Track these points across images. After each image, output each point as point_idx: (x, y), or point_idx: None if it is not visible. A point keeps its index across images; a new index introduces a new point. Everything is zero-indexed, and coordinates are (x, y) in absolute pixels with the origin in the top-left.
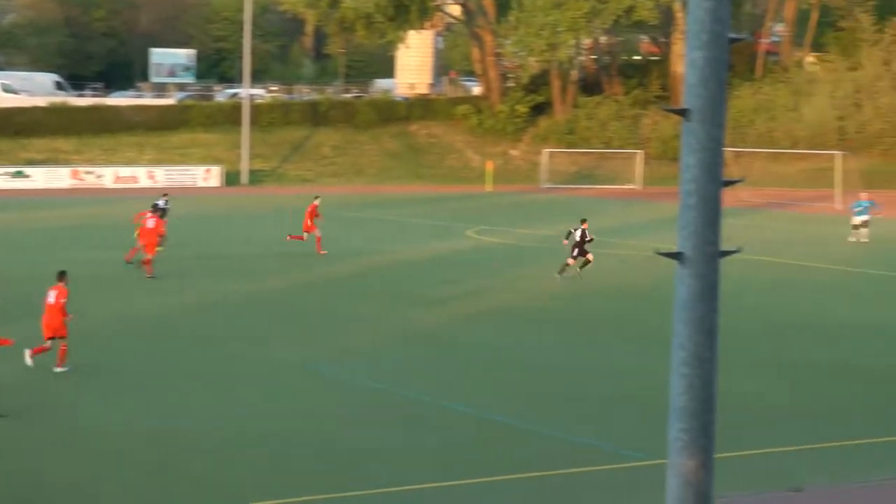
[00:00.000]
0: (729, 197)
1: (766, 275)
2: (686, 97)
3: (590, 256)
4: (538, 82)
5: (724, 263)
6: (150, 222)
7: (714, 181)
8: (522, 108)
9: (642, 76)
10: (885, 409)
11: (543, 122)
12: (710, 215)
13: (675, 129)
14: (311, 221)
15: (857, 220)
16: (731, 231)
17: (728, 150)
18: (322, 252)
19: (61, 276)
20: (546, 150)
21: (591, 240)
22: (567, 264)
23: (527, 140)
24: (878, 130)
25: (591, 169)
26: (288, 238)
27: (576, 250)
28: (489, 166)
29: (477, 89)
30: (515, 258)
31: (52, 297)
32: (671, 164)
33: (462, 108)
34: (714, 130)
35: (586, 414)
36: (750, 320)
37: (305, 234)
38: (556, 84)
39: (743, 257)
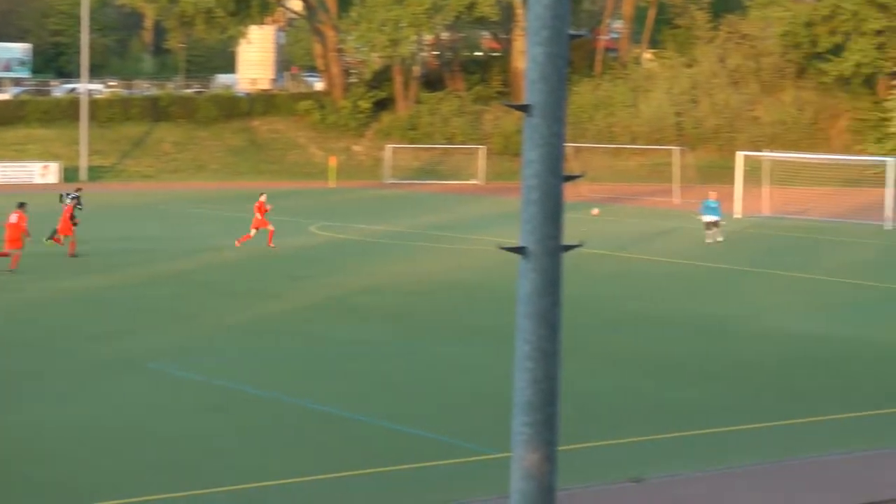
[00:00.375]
0: (571, 192)
1: (609, 269)
2: (527, 93)
3: None
4: (381, 78)
5: (567, 257)
6: (13, 217)
7: (555, 176)
8: (365, 104)
9: (484, 72)
10: (724, 401)
11: (386, 118)
12: (551, 210)
13: (516, 124)
14: (262, 216)
15: (708, 219)
16: (574, 226)
17: (569, 145)
18: (272, 245)
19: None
20: (389, 146)
21: None
22: None
23: (370, 135)
24: (713, 126)
25: (434, 164)
26: (237, 244)
27: None
28: (332, 162)
29: (319, 85)
30: (359, 253)
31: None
32: (513, 159)
33: (304, 104)
34: (555, 126)
35: (430, 408)
36: (596, 314)
37: (253, 231)
38: (398, 80)
39: (585, 251)
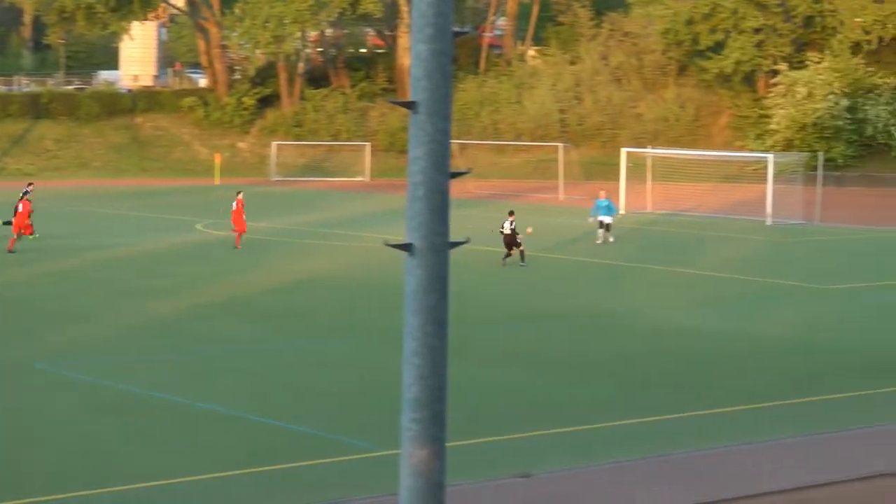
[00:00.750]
0: (457, 188)
1: (496, 265)
2: (412, 90)
3: (521, 247)
4: (265, 74)
5: (455, 254)
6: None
7: (441, 173)
8: (249, 101)
9: (369, 69)
10: (609, 396)
11: (271, 115)
12: (437, 207)
13: (402, 121)
14: (240, 216)
15: (602, 220)
16: (460, 222)
17: (454, 142)
18: (238, 247)
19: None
20: (274, 143)
21: (518, 234)
22: (508, 254)
23: (255, 132)
24: (597, 123)
25: (320, 161)
26: (236, 241)
27: (510, 243)
28: (217, 159)
29: (203, 81)
30: (246, 251)
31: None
32: (399, 155)
33: (188, 101)
34: (440, 123)
35: (319, 406)
36: (485, 311)
37: (235, 228)
38: (283, 76)
39: (473, 248)
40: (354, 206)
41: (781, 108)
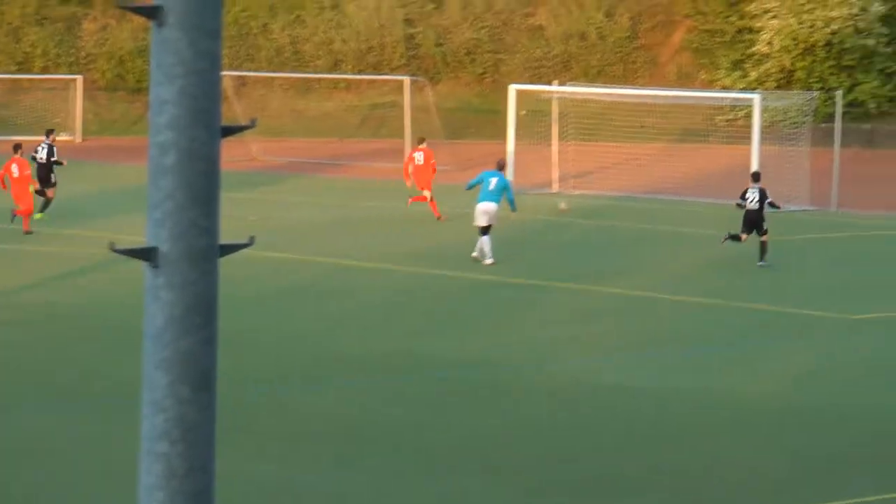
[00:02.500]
0: (234, 153)
1: (296, 282)
2: None
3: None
4: None
5: (230, 265)
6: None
7: (207, 128)
8: None
9: None
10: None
11: None
12: (200, 185)
13: (136, 39)
14: None
15: (484, 209)
16: (239, 210)
17: (228, 74)
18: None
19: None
20: None
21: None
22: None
23: None
24: (467, 43)
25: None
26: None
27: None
28: None
29: None
30: None
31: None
32: (132, 97)
33: None
34: (204, 42)
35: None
36: (276, 361)
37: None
38: None
39: (259, 254)
40: (59, 185)
41: (774, 18)
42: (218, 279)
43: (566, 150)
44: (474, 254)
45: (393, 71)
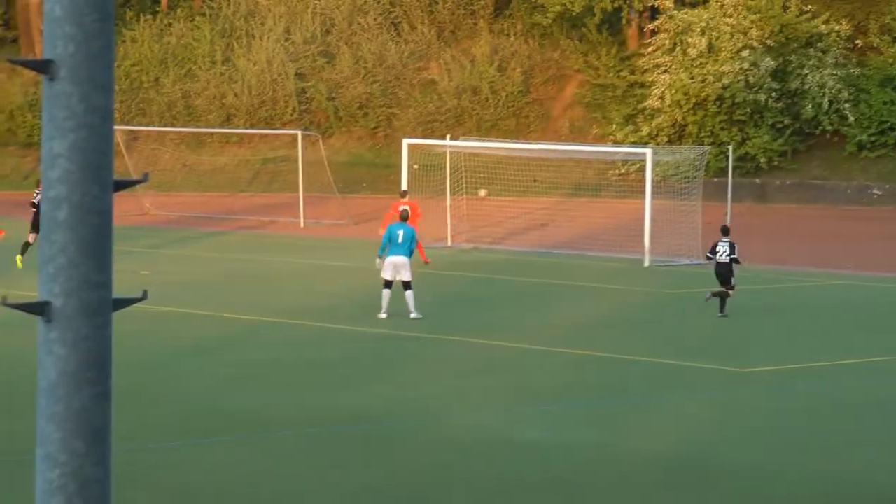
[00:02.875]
0: (126, 207)
1: (197, 337)
2: (47, 40)
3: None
4: None
5: (127, 320)
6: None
7: (99, 182)
8: None
9: None
10: None
11: None
12: (93, 239)
13: (27, 92)
14: None
15: (394, 262)
16: (131, 264)
17: (120, 128)
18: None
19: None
20: None
21: None
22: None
23: None
24: (360, 96)
25: None
26: None
27: None
28: None
29: None
30: None
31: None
32: (24, 152)
33: None
34: (97, 96)
35: None
36: (170, 415)
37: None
38: None
39: (152, 308)
40: None
41: (665, 72)
42: (111, 334)
43: (459, 205)
44: (382, 315)
45: (285, 125)
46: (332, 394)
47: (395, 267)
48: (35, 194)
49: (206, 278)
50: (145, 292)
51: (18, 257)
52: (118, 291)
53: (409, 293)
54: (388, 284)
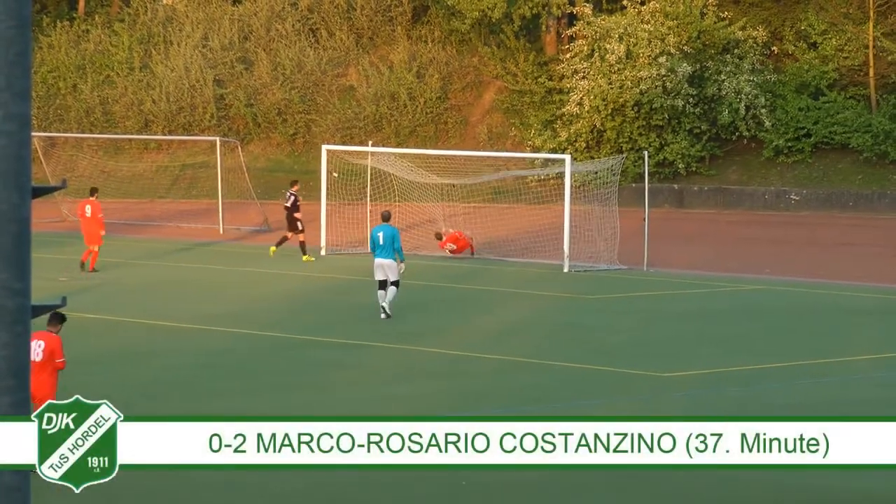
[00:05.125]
0: (42, 213)
1: (115, 347)
2: None
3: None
4: None
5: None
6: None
7: (17, 189)
8: None
9: None
10: None
11: None
12: (10, 246)
13: None
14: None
15: (383, 265)
16: (48, 271)
17: (37, 135)
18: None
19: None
20: None
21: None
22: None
23: None
24: (278, 102)
25: None
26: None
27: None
28: None
29: None
30: None
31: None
32: None
33: None
34: (14, 103)
35: None
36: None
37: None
38: None
39: (77, 315)
40: None
41: (584, 78)
42: (28, 339)
43: (378, 211)
44: (383, 315)
45: (204, 131)
46: (252, 400)
47: (383, 268)
48: (288, 196)
49: (124, 285)
50: (64, 298)
51: (272, 248)
52: (36, 297)
53: (392, 288)
54: (381, 285)
